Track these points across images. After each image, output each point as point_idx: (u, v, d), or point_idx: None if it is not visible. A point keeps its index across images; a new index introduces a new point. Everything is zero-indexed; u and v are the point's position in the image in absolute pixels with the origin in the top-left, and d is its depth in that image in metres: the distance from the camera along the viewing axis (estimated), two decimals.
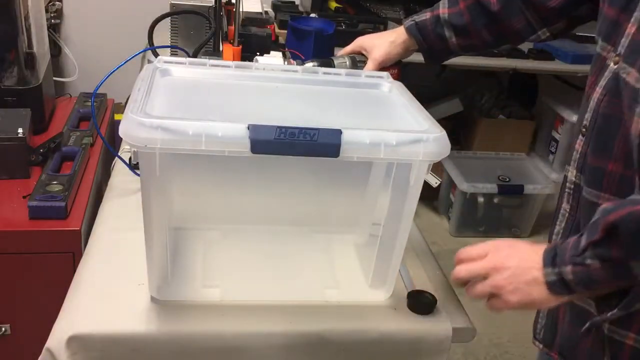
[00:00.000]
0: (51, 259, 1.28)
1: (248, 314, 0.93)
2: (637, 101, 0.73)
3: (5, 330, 1.33)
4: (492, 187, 2.80)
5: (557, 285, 0.77)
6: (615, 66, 0.79)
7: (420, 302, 0.98)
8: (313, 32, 1.63)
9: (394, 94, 1.04)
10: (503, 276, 0.81)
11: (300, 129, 0.79)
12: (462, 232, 2.88)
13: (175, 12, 1.61)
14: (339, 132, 0.80)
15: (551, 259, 0.78)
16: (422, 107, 0.95)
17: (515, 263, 0.80)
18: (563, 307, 0.93)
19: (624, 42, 0.78)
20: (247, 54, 1.53)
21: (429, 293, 1.00)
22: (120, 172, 1.28)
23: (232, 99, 0.99)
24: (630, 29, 0.77)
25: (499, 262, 0.82)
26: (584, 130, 0.86)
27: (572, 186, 0.89)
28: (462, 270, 0.85)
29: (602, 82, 0.82)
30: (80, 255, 1.08)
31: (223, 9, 1.53)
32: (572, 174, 0.89)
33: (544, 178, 2.92)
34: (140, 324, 0.89)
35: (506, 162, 3.03)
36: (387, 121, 0.98)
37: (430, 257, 1.14)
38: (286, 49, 1.68)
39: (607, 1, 0.84)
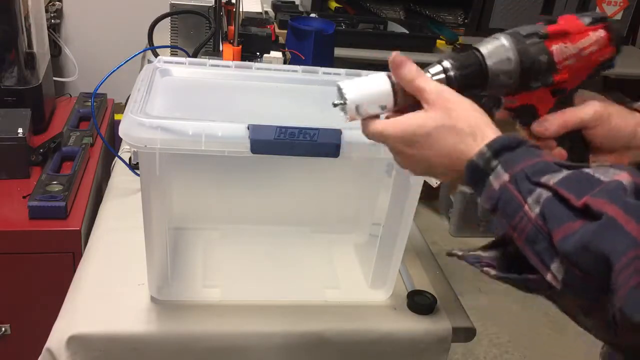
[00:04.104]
0: (51, 259, 1.28)
1: (248, 314, 0.93)
2: None
3: (5, 330, 1.33)
4: None
5: (476, 171, 0.59)
6: None
7: (420, 302, 0.98)
8: (313, 32, 1.63)
9: None
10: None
11: (300, 129, 0.79)
12: (462, 232, 2.88)
13: (175, 12, 1.61)
14: (339, 132, 0.80)
15: (500, 148, 0.58)
16: None
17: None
18: None
19: None
20: (247, 54, 1.53)
21: (429, 293, 1.00)
22: (120, 172, 1.28)
23: (232, 99, 0.99)
24: None
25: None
26: None
27: None
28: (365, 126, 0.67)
29: None
30: (80, 255, 1.08)
31: (223, 9, 1.53)
32: None
33: None
34: (140, 324, 0.89)
35: None
36: None
37: (430, 257, 1.14)
38: (286, 49, 1.68)
39: None
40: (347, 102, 0.66)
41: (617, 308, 0.46)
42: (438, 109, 0.62)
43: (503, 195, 0.56)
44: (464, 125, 0.61)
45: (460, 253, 0.62)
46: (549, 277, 0.52)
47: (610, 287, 0.47)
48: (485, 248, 0.62)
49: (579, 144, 0.72)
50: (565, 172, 0.54)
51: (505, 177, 0.56)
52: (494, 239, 0.63)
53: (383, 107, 0.66)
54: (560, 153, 0.71)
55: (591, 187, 0.52)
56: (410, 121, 0.63)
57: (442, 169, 0.64)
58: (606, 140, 0.71)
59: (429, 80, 0.64)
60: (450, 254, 0.63)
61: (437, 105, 0.62)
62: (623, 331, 0.47)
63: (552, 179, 0.54)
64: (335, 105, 0.68)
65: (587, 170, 0.54)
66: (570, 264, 0.50)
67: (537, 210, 0.53)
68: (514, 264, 0.58)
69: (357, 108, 0.66)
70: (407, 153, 0.64)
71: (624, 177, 0.52)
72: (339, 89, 0.67)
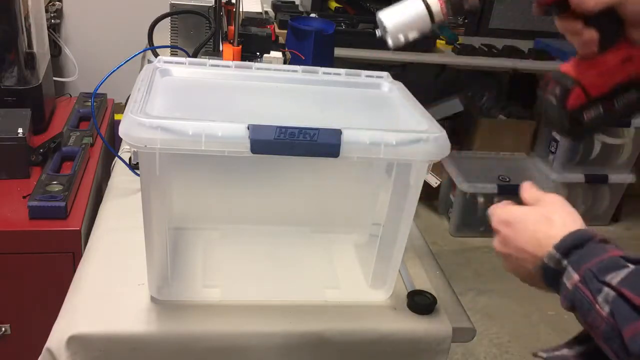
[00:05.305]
0: (51, 259, 1.28)
1: (248, 314, 0.93)
2: None
3: (5, 330, 1.33)
4: (492, 187, 2.80)
5: (549, 273, 0.64)
6: None
7: (420, 302, 0.98)
8: (313, 32, 1.63)
9: (394, 94, 1.04)
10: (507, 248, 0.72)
11: (300, 129, 0.79)
12: (462, 232, 2.87)
13: (175, 12, 1.61)
14: (339, 132, 0.80)
15: (568, 247, 0.63)
16: (422, 107, 0.95)
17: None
18: None
19: None
20: (247, 54, 1.53)
21: (429, 293, 1.00)
22: (120, 172, 1.28)
23: (232, 99, 0.99)
24: None
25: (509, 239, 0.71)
26: None
27: None
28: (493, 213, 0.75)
29: None
30: (80, 255, 1.08)
31: (223, 9, 1.53)
32: None
33: (544, 178, 2.91)
34: (140, 324, 0.89)
35: (506, 162, 3.03)
36: (387, 121, 0.98)
37: (430, 257, 1.14)
38: (286, 49, 1.68)
39: None
40: (388, 30, 0.69)
41: None
42: (542, 206, 0.70)
43: (576, 295, 0.60)
44: (557, 218, 0.67)
45: (545, 355, 0.66)
46: None
47: None
48: (569, 345, 0.66)
49: (612, 24, 0.72)
50: (629, 268, 0.57)
51: (576, 277, 0.60)
52: (576, 335, 0.67)
53: (421, 29, 0.70)
54: (591, 36, 0.71)
55: None
56: (517, 209, 0.72)
57: (526, 254, 0.68)
58: None
59: (544, 194, 0.74)
60: (535, 355, 0.68)
61: (542, 205, 0.71)
62: None
63: (616, 278, 0.57)
64: (378, 36, 0.71)
65: None
66: None
67: (607, 309, 0.56)
68: (601, 357, 0.60)
69: (398, 34, 0.70)
70: (503, 232, 0.71)
71: None
72: (379, 20, 0.70)
